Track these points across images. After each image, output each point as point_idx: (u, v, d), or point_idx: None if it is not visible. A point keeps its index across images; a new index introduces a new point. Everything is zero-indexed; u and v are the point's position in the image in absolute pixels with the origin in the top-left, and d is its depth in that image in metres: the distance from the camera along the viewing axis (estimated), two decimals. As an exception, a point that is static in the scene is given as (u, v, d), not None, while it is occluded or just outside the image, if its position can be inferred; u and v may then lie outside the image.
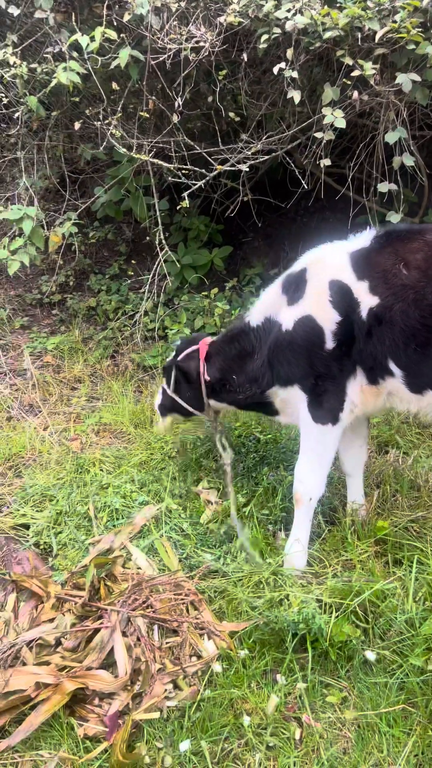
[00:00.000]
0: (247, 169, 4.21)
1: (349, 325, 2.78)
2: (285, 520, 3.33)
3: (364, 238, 2.88)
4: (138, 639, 2.65)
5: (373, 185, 4.21)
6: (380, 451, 4.08)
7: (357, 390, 2.91)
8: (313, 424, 2.97)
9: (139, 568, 3.10)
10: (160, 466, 3.93)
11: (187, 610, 2.87)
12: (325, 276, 2.84)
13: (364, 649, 2.62)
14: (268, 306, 3.13)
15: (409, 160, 3.71)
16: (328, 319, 2.81)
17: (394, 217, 3.88)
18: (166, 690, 2.51)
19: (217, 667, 2.63)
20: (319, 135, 3.71)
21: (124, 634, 2.66)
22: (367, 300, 2.74)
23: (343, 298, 2.78)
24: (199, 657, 2.68)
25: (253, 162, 4.28)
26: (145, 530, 3.38)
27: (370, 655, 2.59)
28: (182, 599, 2.87)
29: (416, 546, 3.05)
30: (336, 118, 3.59)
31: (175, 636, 2.73)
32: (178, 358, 3.42)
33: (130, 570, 3.08)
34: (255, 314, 3.22)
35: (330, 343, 2.83)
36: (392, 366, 2.77)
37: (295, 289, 2.96)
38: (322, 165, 3.77)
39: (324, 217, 6.43)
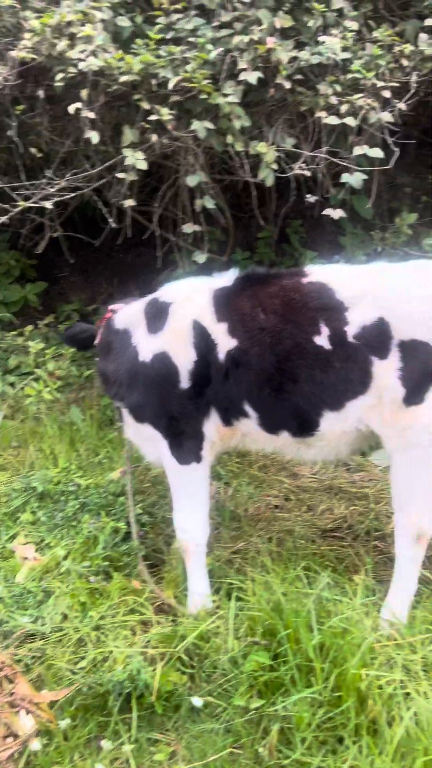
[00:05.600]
0: (51, 206, 4.09)
1: (205, 365, 2.78)
2: (105, 570, 3.20)
3: (227, 278, 2.91)
4: None
5: (179, 224, 4.31)
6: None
7: (213, 429, 2.91)
8: (179, 465, 2.94)
9: None
10: (-31, 524, 3.60)
11: (0, 685, 2.62)
12: (189, 316, 2.82)
13: (190, 696, 2.58)
14: (129, 317, 3.07)
15: (209, 203, 3.86)
16: (186, 359, 2.80)
17: (200, 257, 4.00)
18: (-25, 786, 2.24)
19: (35, 744, 2.41)
20: (121, 175, 3.72)
21: None
22: (225, 342, 2.76)
23: (202, 339, 2.78)
24: (16, 737, 2.44)
25: (59, 199, 4.18)
26: None
27: (197, 702, 2.54)
28: (-6, 675, 2.61)
29: (237, 580, 3.07)
30: (137, 159, 3.63)
31: (-14, 719, 2.46)
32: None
33: None
34: (119, 319, 3.14)
35: (185, 383, 2.81)
36: (248, 408, 2.80)
37: (156, 316, 2.91)
38: (126, 205, 3.78)
39: (139, 253, 6.48)
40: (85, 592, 3.05)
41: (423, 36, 3.85)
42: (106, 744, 2.43)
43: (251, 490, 4.06)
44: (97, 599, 3.05)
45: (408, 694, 2.38)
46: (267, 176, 3.70)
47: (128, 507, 3.37)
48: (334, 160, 3.82)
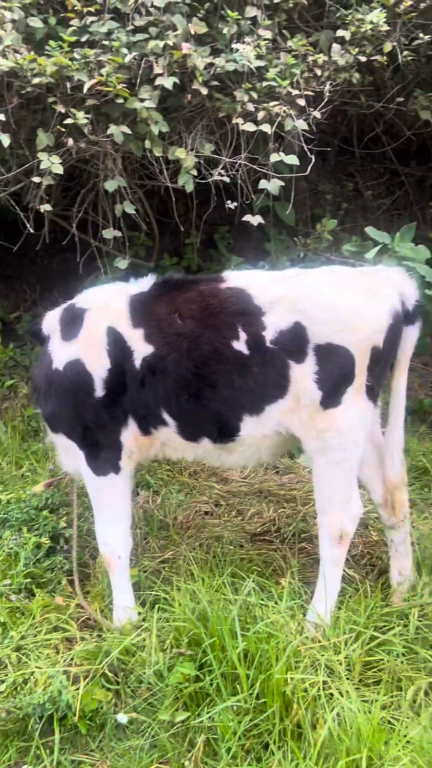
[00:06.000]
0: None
1: (120, 373, 2.73)
2: (27, 588, 3.08)
3: (144, 283, 2.87)
4: None
5: (100, 230, 4.24)
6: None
7: (131, 438, 2.86)
8: (96, 477, 2.88)
9: None
10: None
11: None
12: (104, 323, 2.77)
13: (116, 713, 2.51)
14: (50, 323, 2.99)
15: (129, 208, 3.81)
16: (100, 367, 2.74)
17: (122, 263, 3.94)
18: None
19: None
20: (37, 180, 3.62)
21: None
22: (141, 348, 2.72)
23: (116, 346, 2.73)
24: None
25: (-27, 204, 4.03)
26: None
27: (122, 719, 2.48)
28: None
29: (162, 591, 3.02)
30: (53, 163, 3.53)
31: None
32: None
33: None
34: (44, 323, 3.04)
35: (99, 391, 2.75)
36: (165, 415, 2.76)
37: (71, 323, 2.85)
38: (42, 210, 3.67)
39: (64, 258, 6.33)
40: (6, 611, 2.93)
41: (336, 47, 3.94)
42: (27, 770, 2.34)
43: (181, 498, 4.03)
44: (18, 618, 2.94)
45: (332, 695, 2.39)
46: (187, 182, 3.68)
47: (72, 516, 3.33)
48: (253, 166, 3.84)
